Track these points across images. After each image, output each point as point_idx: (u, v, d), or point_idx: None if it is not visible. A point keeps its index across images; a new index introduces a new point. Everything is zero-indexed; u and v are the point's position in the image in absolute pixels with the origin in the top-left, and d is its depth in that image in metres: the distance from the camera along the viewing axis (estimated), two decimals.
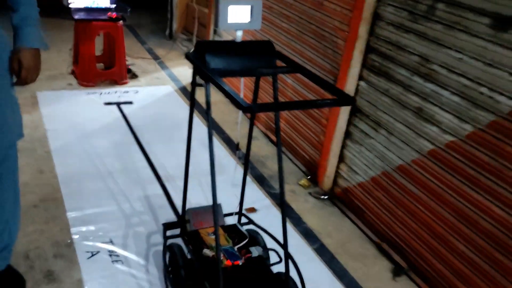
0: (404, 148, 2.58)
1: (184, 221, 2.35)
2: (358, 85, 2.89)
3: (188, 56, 1.90)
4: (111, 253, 2.53)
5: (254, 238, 2.32)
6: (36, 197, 2.91)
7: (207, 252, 2.13)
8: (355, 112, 2.94)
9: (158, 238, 2.66)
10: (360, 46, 2.79)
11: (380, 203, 2.82)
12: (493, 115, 2.06)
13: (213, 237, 2.18)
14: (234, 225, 2.39)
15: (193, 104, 2.07)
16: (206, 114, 1.85)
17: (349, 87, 2.92)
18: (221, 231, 2.27)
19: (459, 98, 2.21)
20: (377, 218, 2.86)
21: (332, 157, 3.17)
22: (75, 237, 2.61)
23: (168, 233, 2.38)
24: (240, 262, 2.09)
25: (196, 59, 1.83)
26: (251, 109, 1.61)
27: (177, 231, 2.40)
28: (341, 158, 3.14)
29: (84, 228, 2.68)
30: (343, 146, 3.10)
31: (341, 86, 2.95)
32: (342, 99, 1.72)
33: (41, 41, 1.86)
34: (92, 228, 2.70)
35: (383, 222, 2.82)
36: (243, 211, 2.62)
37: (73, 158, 3.36)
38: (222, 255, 2.09)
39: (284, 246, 2.06)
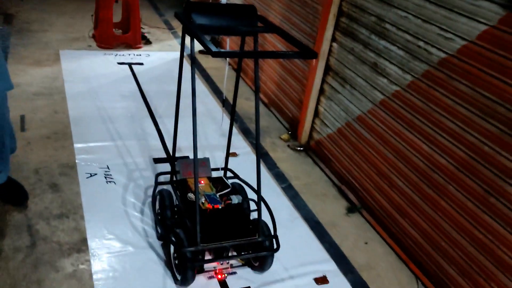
0: (362, 100, 2.93)
1: (174, 171, 2.61)
2: (331, 46, 3.24)
3: (177, 14, 2.20)
4: (106, 176, 3.01)
5: (237, 190, 2.59)
6: (50, 131, 3.40)
7: (191, 196, 2.40)
8: (328, 70, 3.30)
9: (149, 173, 3.11)
10: (334, 10, 3.13)
11: (343, 150, 3.18)
12: (426, 65, 2.40)
13: (200, 185, 2.46)
14: (220, 177, 2.67)
15: (183, 51, 2.33)
16: (191, 67, 2.10)
17: (324, 48, 3.27)
18: (206, 181, 2.55)
19: (403, 52, 2.55)
20: (340, 165, 3.23)
21: (309, 113, 3.55)
22: (78, 162, 3.10)
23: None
24: (220, 206, 2.36)
25: (184, 17, 2.11)
26: (218, 54, 1.89)
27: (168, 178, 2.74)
28: (316, 114, 3.51)
29: (86, 156, 3.16)
30: (318, 103, 3.46)
31: (317, 47, 3.30)
32: (305, 52, 2.00)
33: None
34: (93, 156, 3.17)
35: (344, 167, 3.19)
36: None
37: (84, 104, 3.85)
38: (204, 199, 2.36)
39: (258, 190, 2.30)
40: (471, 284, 2.23)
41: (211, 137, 3.63)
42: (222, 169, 2.84)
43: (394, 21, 2.60)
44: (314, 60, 3.34)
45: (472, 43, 2.11)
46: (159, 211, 2.58)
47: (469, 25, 2.12)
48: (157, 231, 2.55)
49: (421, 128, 2.45)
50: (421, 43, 2.42)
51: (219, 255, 2.31)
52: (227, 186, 2.58)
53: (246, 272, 2.42)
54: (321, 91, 3.41)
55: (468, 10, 2.11)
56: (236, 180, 2.75)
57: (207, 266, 2.33)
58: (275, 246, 2.30)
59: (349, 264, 2.61)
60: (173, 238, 2.23)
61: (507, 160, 1.99)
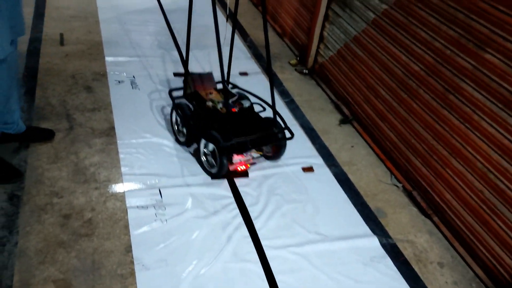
0: (358, 20, 3.26)
1: (186, 85, 2.94)
2: None
3: None
4: (132, 83, 3.50)
5: (242, 97, 2.94)
6: (85, 47, 3.90)
7: (209, 104, 2.77)
8: None
9: (170, 84, 3.57)
10: None
11: (341, 70, 3.55)
12: None
13: (211, 95, 2.84)
14: (225, 88, 2.93)
15: None
16: None
17: None
18: (214, 91, 2.92)
19: None
20: (338, 83, 3.61)
21: (315, 38, 3.90)
22: (109, 71, 3.59)
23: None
24: (236, 110, 2.76)
25: None
26: None
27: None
28: (321, 39, 3.86)
29: (116, 67, 3.66)
30: (323, 28, 3.80)
31: None
32: None
33: None
34: (121, 68, 3.66)
35: (341, 85, 3.56)
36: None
37: (114, 27, 4.32)
38: (221, 105, 2.73)
39: (272, 104, 2.75)
40: (431, 172, 2.64)
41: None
42: (226, 82, 3.14)
43: None
44: None
45: None
46: (179, 121, 2.87)
47: None
48: (176, 138, 2.93)
49: (401, 40, 2.79)
50: None
51: (244, 149, 2.63)
52: (233, 94, 2.95)
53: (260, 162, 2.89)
54: (326, 17, 3.74)
55: None
56: (237, 90, 3.13)
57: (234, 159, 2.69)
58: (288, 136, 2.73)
59: (334, 160, 3.05)
60: (208, 137, 2.61)
61: (463, 60, 2.33)
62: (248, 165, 2.77)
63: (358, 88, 3.32)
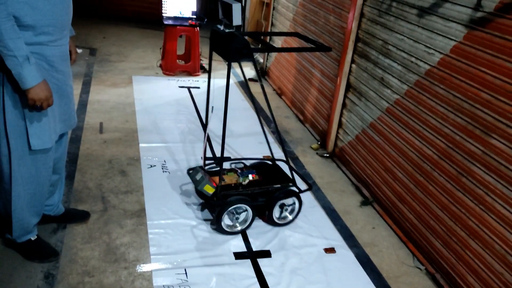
0: (373, 109, 3.49)
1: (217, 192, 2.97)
2: (351, 66, 3.86)
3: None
4: (163, 167, 3.75)
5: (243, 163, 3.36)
6: (122, 134, 4.25)
7: (239, 182, 3.09)
8: (349, 87, 3.91)
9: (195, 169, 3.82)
10: (352, 37, 3.77)
11: (360, 154, 3.72)
12: (417, 75, 2.95)
13: (228, 179, 3.10)
14: (233, 169, 3.29)
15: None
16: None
17: (346, 69, 3.89)
18: (224, 176, 3.15)
19: (401, 67, 3.12)
20: (357, 166, 3.77)
21: (334, 125, 4.14)
22: (142, 156, 3.88)
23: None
24: (256, 176, 3.16)
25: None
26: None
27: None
28: (340, 125, 4.09)
29: (148, 153, 3.95)
30: (341, 115, 4.05)
31: (341, 68, 3.93)
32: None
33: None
34: (153, 153, 3.95)
35: (360, 168, 3.72)
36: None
37: (149, 117, 4.70)
38: (242, 178, 3.12)
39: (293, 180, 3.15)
40: (452, 254, 2.67)
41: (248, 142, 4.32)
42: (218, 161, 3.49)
43: (395, 43, 3.19)
44: (339, 78, 3.97)
45: (447, 56, 2.66)
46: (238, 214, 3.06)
47: (444, 42, 2.67)
48: (226, 231, 3.04)
49: (413, 126, 2.98)
50: (413, 59, 2.99)
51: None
52: (238, 167, 3.30)
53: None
54: (343, 105, 4.00)
55: (443, 30, 2.68)
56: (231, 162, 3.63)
57: None
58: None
59: (355, 241, 3.11)
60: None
61: (471, 145, 2.48)
62: None
63: (376, 171, 3.46)
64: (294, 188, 3.16)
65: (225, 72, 6.59)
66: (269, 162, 3.44)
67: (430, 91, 2.82)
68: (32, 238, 2.63)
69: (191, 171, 3.23)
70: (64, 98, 2.44)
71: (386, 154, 3.32)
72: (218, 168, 3.34)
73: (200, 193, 3.22)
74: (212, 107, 3.32)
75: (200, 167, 3.29)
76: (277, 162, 3.45)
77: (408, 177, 3.06)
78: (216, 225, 2.98)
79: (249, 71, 6.49)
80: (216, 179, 3.05)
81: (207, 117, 3.38)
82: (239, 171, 3.21)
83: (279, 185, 3.11)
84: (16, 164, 2.34)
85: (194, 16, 6.13)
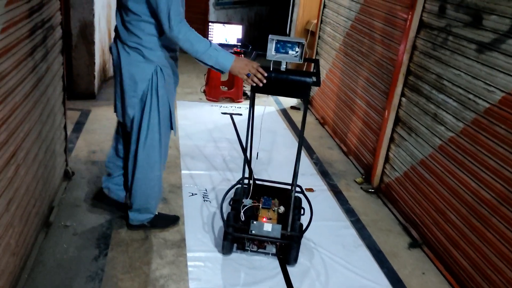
0: (425, 145, 3.34)
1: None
2: (400, 100, 3.73)
3: None
4: (204, 196, 3.72)
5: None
6: None
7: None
8: (397, 121, 3.77)
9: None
10: (403, 70, 3.65)
11: (408, 191, 3.55)
12: (474, 113, 2.80)
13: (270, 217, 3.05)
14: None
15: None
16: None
17: (395, 102, 3.76)
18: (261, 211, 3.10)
19: (457, 103, 2.97)
20: (405, 204, 3.59)
21: (380, 159, 3.99)
22: (184, 183, 3.86)
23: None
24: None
25: None
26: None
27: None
28: (387, 160, 3.94)
29: (190, 180, 3.93)
30: (388, 150, 3.91)
31: (389, 101, 3.81)
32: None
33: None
34: (195, 181, 3.93)
35: (408, 207, 3.54)
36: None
37: (192, 142, 4.72)
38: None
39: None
40: None
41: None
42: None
43: (450, 78, 3.05)
44: (387, 111, 3.84)
45: (509, 94, 2.50)
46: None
47: (506, 79, 2.52)
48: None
49: (469, 167, 2.80)
50: (470, 96, 2.84)
51: None
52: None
53: None
54: (391, 139, 3.86)
55: (505, 67, 2.53)
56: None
57: None
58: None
59: (404, 287, 2.93)
60: None
61: None
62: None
63: (426, 211, 3.28)
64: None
65: (265, 99, 6.59)
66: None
67: (489, 130, 2.65)
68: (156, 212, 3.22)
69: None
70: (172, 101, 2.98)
71: (438, 194, 3.14)
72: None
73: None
74: (257, 153, 3.53)
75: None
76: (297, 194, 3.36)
77: (462, 221, 2.87)
78: (295, 262, 2.98)
79: (290, 99, 6.42)
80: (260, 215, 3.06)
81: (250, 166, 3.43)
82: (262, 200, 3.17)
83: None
84: (164, 152, 3.06)
85: (239, 44, 6.18)
